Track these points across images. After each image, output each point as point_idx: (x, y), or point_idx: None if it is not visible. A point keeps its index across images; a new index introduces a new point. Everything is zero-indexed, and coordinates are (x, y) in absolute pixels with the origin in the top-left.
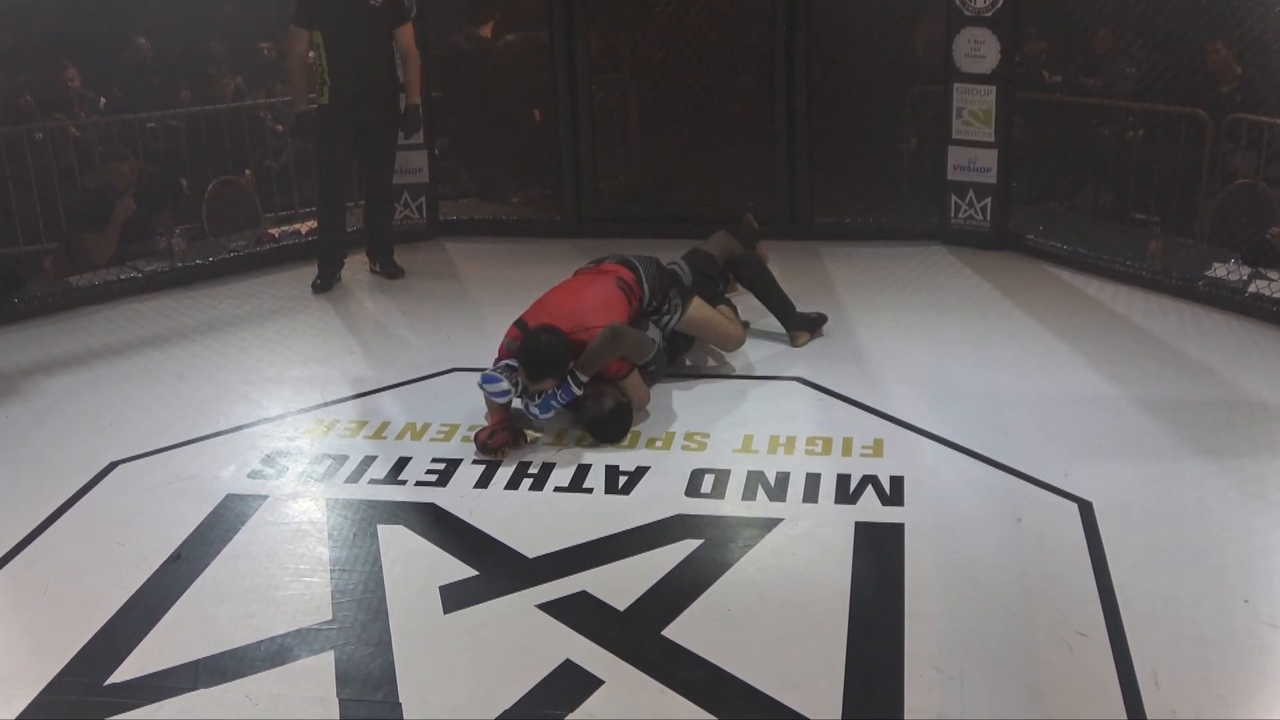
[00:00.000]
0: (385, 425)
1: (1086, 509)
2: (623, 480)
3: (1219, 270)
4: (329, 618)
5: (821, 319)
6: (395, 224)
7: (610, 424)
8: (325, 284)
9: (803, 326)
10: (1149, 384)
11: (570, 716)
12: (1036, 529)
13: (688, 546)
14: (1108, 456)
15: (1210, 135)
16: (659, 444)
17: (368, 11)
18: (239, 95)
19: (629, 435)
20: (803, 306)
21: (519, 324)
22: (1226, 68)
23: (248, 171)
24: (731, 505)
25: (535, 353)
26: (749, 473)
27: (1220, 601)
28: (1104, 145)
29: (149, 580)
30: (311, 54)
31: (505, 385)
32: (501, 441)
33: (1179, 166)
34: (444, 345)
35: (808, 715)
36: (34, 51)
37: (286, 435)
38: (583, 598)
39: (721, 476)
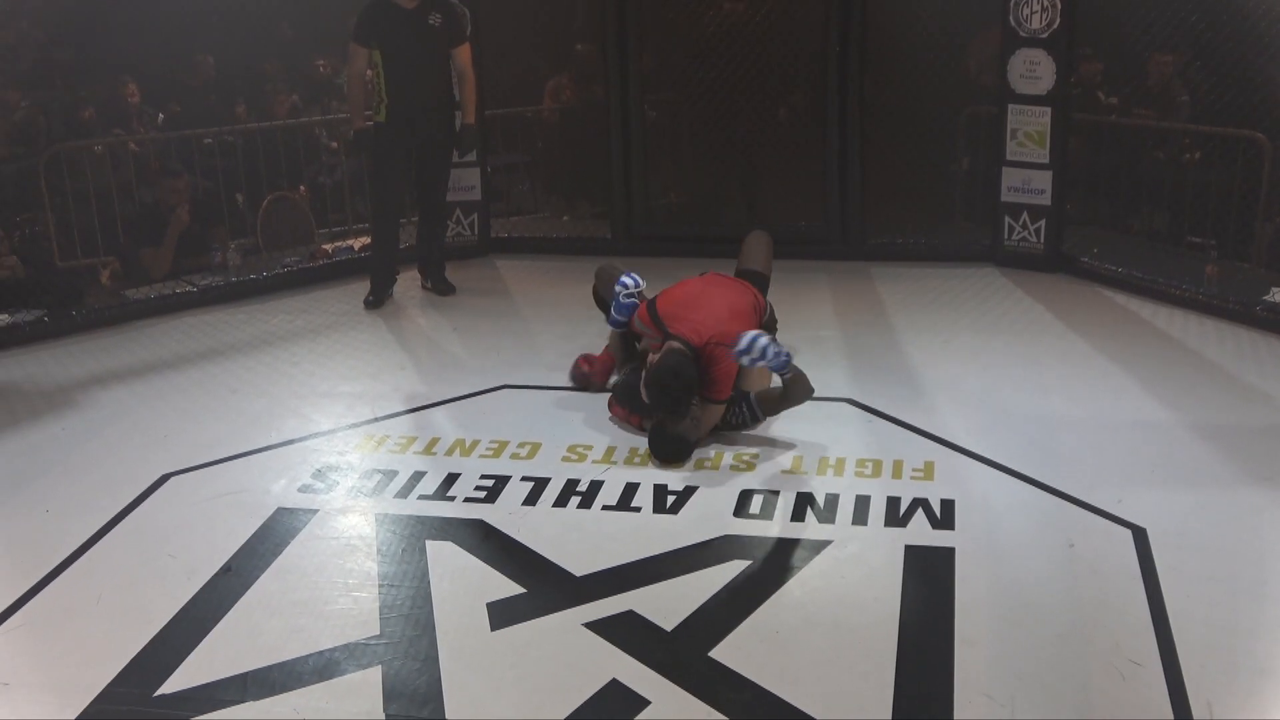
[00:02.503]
0: (435, 441)
1: (1140, 535)
2: (671, 500)
3: (1277, 295)
4: (377, 633)
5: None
6: (447, 241)
7: (669, 443)
8: (378, 300)
9: None
10: (1205, 410)
11: None
12: (1089, 555)
13: (736, 567)
14: (1162, 482)
15: (1268, 158)
16: (708, 464)
17: (427, 31)
18: (294, 112)
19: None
20: (853, 327)
21: (653, 314)
22: None
23: (302, 188)
24: (780, 526)
25: (665, 388)
26: (798, 494)
27: (1278, 632)
28: (1160, 167)
29: (199, 592)
30: (369, 72)
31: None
32: (582, 373)
33: (1236, 189)
34: (494, 362)
35: None
36: (96, 68)
37: (337, 450)
38: (630, 617)
39: (770, 497)
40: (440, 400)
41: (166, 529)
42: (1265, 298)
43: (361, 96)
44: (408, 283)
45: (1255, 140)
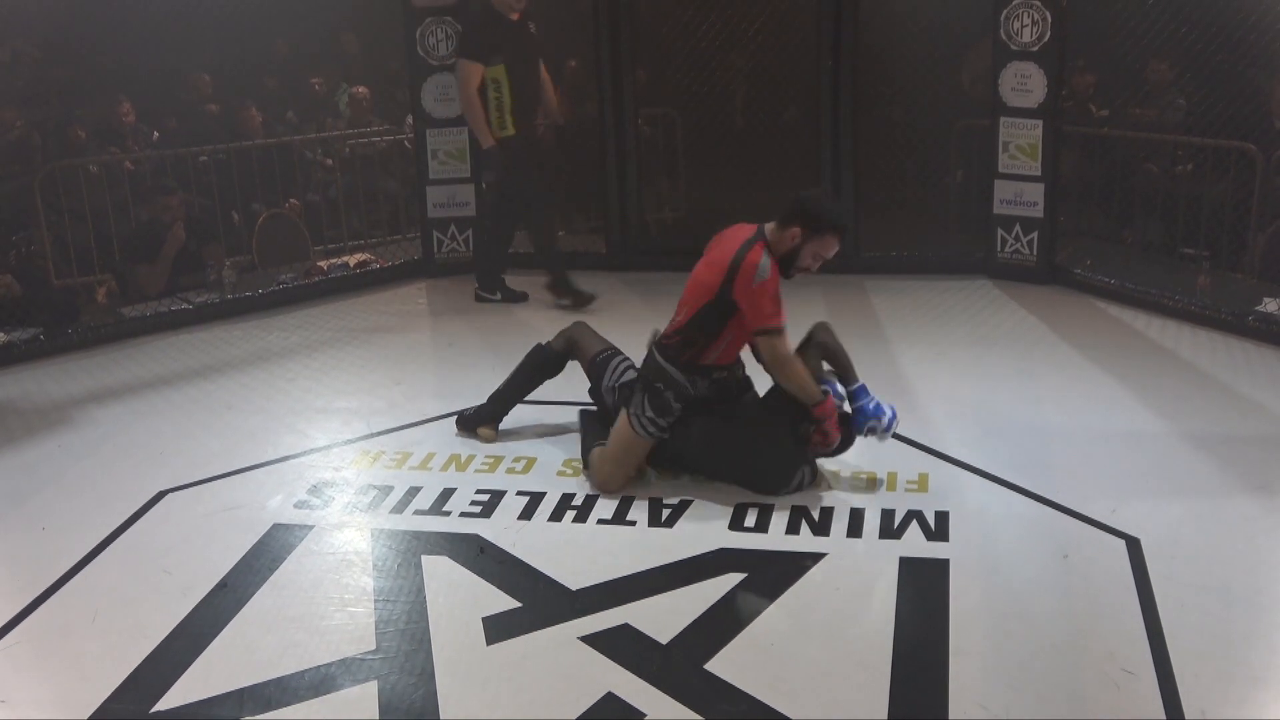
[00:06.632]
0: (430, 457)
1: (1134, 546)
2: (666, 513)
3: (1269, 305)
4: (373, 648)
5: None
6: (444, 256)
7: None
8: (515, 294)
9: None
10: (1198, 420)
11: None
12: (1083, 566)
13: (731, 580)
14: (1156, 493)
15: (1260, 169)
16: (702, 477)
17: (532, 40)
18: (290, 130)
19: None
20: (847, 340)
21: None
22: None
23: (293, 201)
24: (775, 539)
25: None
26: (793, 506)
27: (1271, 641)
28: (1152, 179)
29: (195, 608)
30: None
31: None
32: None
33: (1228, 200)
34: (490, 377)
35: None
36: (91, 86)
37: (333, 466)
38: (625, 630)
39: (765, 510)
40: (436, 415)
41: (162, 545)
42: (1257, 308)
43: (484, 114)
44: (405, 298)
45: (1247, 151)
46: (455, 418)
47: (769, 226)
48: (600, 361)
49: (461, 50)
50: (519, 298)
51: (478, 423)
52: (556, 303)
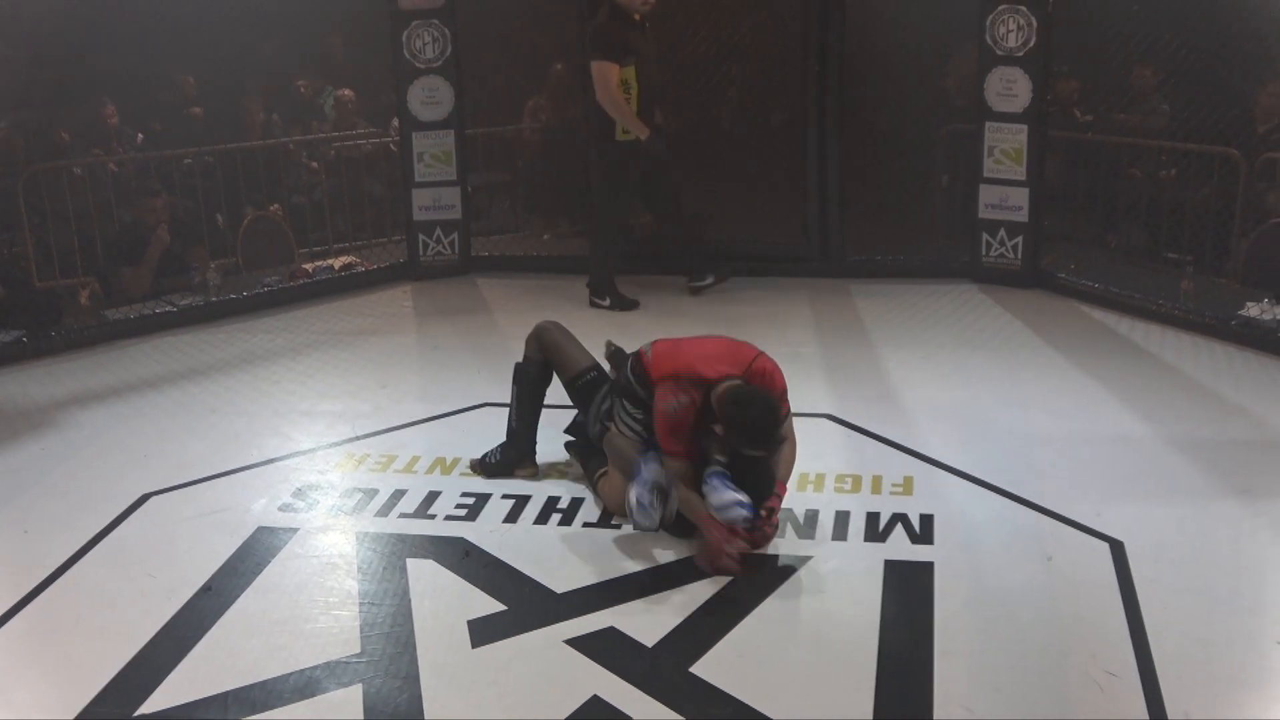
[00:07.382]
0: (415, 460)
1: (1118, 549)
2: None
3: (1252, 310)
4: (357, 651)
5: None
6: (428, 259)
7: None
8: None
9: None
10: (1181, 423)
11: None
12: (1067, 569)
13: (716, 583)
14: (1140, 496)
15: (1244, 174)
16: None
17: (651, 39)
18: (274, 132)
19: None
20: (833, 344)
21: (677, 381)
22: (1275, 109)
23: (274, 206)
24: None
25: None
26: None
27: (1254, 643)
28: (1136, 184)
29: (180, 612)
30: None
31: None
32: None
33: (1212, 205)
34: (475, 380)
35: None
36: (74, 89)
37: (317, 469)
38: (610, 633)
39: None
40: (421, 418)
41: (146, 548)
42: (1240, 312)
43: (629, 107)
44: (389, 301)
45: (1230, 157)
46: (471, 465)
47: (724, 386)
48: (586, 386)
49: (596, 52)
50: (629, 305)
51: (514, 466)
52: (592, 301)
